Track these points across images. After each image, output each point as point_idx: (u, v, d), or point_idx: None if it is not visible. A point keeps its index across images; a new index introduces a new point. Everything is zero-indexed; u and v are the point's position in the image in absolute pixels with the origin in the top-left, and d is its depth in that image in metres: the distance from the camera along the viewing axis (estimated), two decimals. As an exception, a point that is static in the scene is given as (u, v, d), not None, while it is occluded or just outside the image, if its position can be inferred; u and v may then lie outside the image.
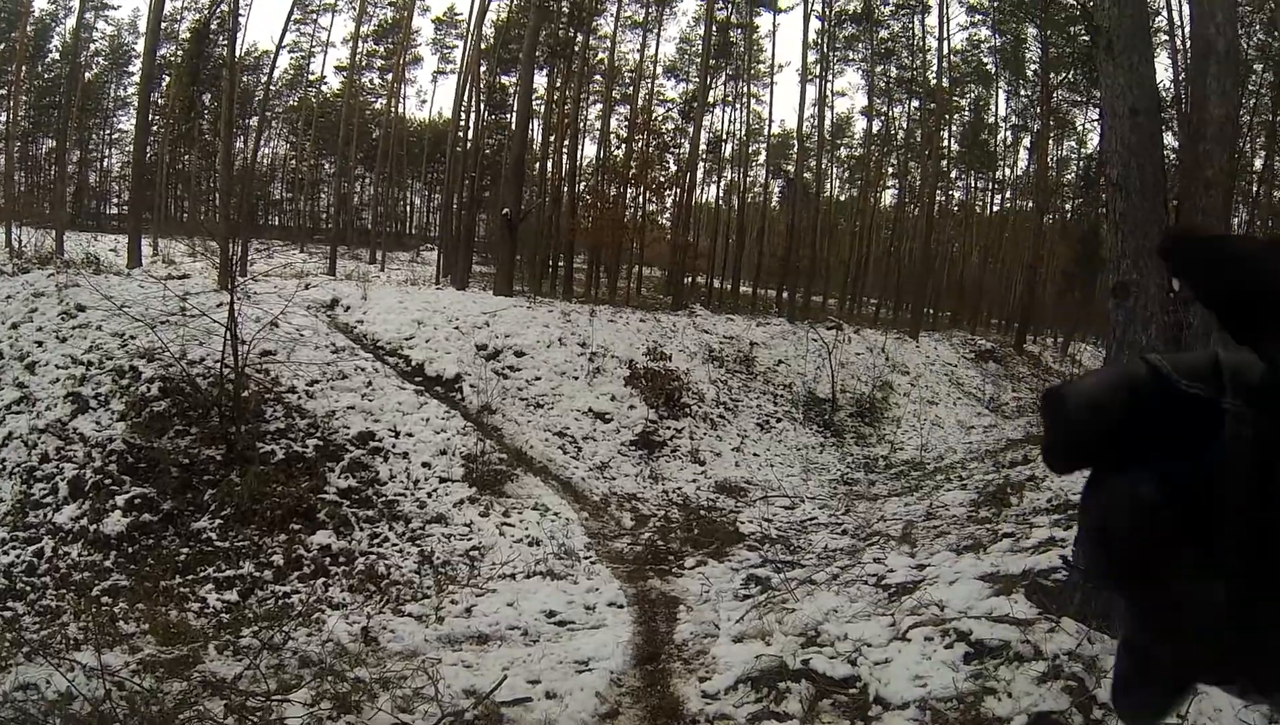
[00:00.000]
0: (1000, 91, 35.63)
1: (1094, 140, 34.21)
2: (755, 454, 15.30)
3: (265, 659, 6.11)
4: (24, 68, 31.37)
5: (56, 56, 39.20)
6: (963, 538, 8.24)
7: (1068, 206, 37.22)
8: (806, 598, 7.24)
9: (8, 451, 9.80)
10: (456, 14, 41.00)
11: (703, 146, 32.33)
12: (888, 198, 41.48)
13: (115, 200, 43.96)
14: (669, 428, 14.89)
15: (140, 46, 34.32)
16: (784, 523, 11.30)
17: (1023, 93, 34.86)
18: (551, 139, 31.75)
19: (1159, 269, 5.26)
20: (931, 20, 30.82)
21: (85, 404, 10.41)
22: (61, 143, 30.54)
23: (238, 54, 26.59)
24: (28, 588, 8.11)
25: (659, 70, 35.20)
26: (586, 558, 9.50)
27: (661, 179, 28.99)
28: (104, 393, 10.61)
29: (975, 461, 14.76)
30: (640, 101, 32.54)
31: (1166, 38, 22.59)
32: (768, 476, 14.18)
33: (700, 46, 29.96)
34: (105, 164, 44.28)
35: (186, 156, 39.87)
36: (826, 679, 5.21)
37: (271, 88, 34.96)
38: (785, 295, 28.61)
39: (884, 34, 33.24)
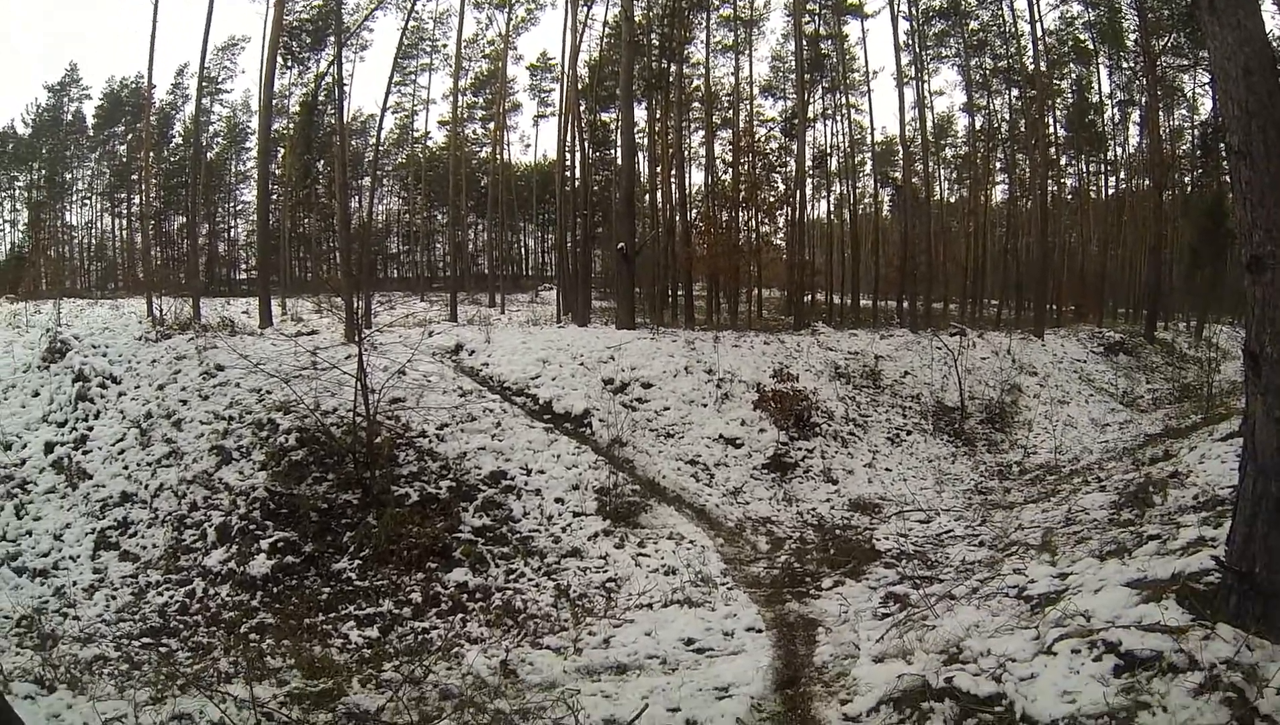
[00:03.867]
0: (1101, 68, 34.16)
1: (1207, 105, 32.52)
2: (887, 469, 14.96)
3: (407, 692, 6.18)
4: (151, 154, 33.77)
5: (180, 141, 42.39)
6: (1105, 542, 7.74)
7: (1187, 180, 35.12)
8: (947, 613, 6.96)
9: (159, 502, 10.48)
10: (550, 59, 41.96)
11: (808, 162, 32.00)
12: (998, 194, 39.99)
13: (243, 266, 46.92)
14: (800, 448, 14.71)
15: (255, 124, 37.09)
16: (920, 537, 10.90)
17: (1125, 65, 33.33)
18: (658, 170, 32.08)
19: None
20: (1020, 3, 29.60)
21: (228, 456, 11.02)
22: (191, 218, 32.71)
23: (345, 120, 27.84)
24: (181, 625, 8.58)
25: (755, 91, 35.11)
26: (723, 584, 9.37)
27: (771, 199, 28.75)
28: (245, 445, 11.19)
29: (1113, 461, 13.95)
30: (741, 124, 32.35)
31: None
32: (901, 491, 13.78)
33: (793, 62, 29.76)
34: (232, 234, 47.60)
35: (306, 220, 42.19)
36: (970, 697, 4.92)
37: (380, 148, 36.46)
38: (905, 305, 27.94)
39: (974, 25, 32.17)
